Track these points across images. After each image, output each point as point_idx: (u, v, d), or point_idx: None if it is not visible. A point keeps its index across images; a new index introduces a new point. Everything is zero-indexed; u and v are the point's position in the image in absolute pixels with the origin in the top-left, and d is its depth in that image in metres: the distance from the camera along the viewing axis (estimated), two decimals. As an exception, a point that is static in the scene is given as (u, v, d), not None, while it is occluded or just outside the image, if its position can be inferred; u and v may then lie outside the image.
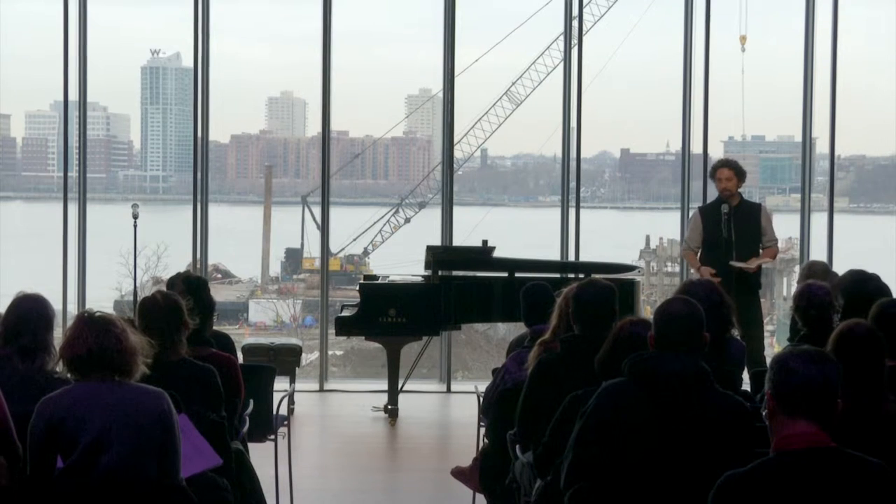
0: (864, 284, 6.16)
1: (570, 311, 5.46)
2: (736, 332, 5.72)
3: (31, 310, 5.03)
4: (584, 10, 14.04)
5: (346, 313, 9.86)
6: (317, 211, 17.88)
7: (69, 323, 4.49)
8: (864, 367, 4.21)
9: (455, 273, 10.08)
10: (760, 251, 9.11)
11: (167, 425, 4.30)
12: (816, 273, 7.22)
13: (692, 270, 10.04)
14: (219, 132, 34.22)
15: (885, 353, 4.26)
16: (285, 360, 10.21)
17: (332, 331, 10.33)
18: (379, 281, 10.10)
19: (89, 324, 4.29)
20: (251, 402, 6.25)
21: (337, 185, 29.14)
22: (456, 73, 11.54)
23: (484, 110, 29.48)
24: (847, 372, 3.50)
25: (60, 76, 11.32)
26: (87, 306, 11.41)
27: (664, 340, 4.28)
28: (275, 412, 6.85)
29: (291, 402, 8.53)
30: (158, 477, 4.29)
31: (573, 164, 11.60)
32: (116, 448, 4.20)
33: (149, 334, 4.98)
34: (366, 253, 30.79)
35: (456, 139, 12.56)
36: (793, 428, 3.27)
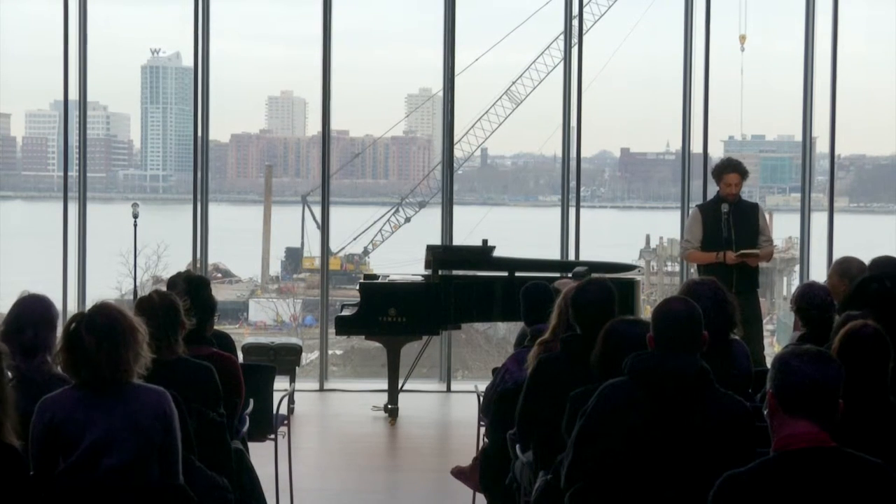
0: (865, 286, 6.14)
1: (569, 312, 5.46)
2: (737, 332, 5.70)
3: (33, 308, 5.03)
4: (585, 10, 14.05)
5: (346, 313, 9.86)
6: (317, 210, 17.89)
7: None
8: (869, 368, 4.20)
9: (455, 272, 10.08)
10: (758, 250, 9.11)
11: (168, 426, 4.28)
12: (851, 269, 7.06)
13: (692, 269, 10.03)
14: (219, 132, 34.30)
15: (890, 355, 4.26)
16: (285, 359, 10.21)
17: (332, 330, 10.33)
18: (379, 280, 10.10)
19: (84, 324, 4.23)
20: (251, 401, 6.25)
21: (337, 185, 29.14)
22: (456, 72, 11.54)
23: (484, 110, 29.52)
24: (852, 372, 3.50)
25: (60, 75, 11.32)
26: (87, 306, 11.43)
27: (663, 340, 4.28)
28: (275, 412, 6.84)
29: (291, 401, 8.53)
30: (160, 477, 4.27)
31: (573, 163, 11.60)
32: (119, 449, 4.18)
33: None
34: (366, 252, 30.82)
35: (456, 139, 12.57)
36: (793, 428, 3.27)
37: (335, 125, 12.13)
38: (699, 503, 3.48)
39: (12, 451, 3.81)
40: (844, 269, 6.99)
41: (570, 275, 8.41)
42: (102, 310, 4.28)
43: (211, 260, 12.27)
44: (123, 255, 24.14)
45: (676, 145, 13.46)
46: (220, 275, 28.93)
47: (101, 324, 4.21)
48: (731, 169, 9.17)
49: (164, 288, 6.12)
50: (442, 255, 9.90)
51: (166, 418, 4.27)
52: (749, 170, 9.31)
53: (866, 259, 6.94)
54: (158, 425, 4.25)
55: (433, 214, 16.85)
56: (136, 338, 4.25)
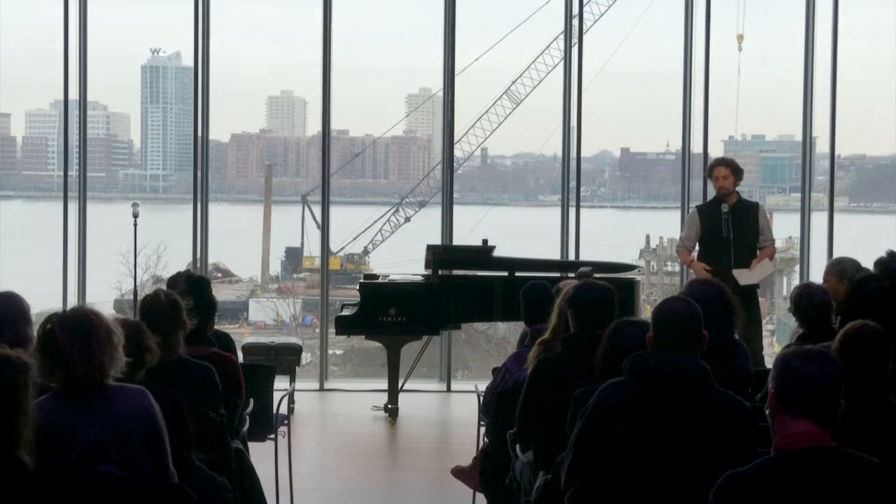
0: (864, 285, 6.16)
1: (568, 312, 5.46)
2: (737, 333, 5.70)
3: (6, 305, 5.00)
4: (584, 9, 14.04)
5: (346, 312, 9.86)
6: (317, 210, 17.90)
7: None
8: (869, 368, 4.21)
9: (455, 272, 10.09)
10: (758, 251, 9.12)
11: (152, 423, 4.22)
12: (848, 270, 7.07)
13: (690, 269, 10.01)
14: (219, 131, 34.29)
15: (890, 355, 4.27)
16: (285, 359, 10.20)
17: (332, 330, 10.33)
18: (379, 280, 10.10)
19: (58, 323, 4.19)
20: (251, 401, 6.25)
21: (337, 185, 29.15)
22: (456, 72, 11.54)
23: (484, 109, 29.52)
24: (852, 372, 3.50)
25: (60, 75, 11.32)
26: (87, 305, 11.42)
27: (663, 340, 4.28)
28: (275, 411, 6.84)
29: (291, 401, 8.53)
30: (153, 475, 4.24)
31: (573, 163, 11.60)
32: (108, 453, 4.11)
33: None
34: (366, 252, 30.82)
35: (456, 138, 12.56)
36: (794, 427, 3.27)
37: (335, 125, 12.15)
38: (699, 503, 3.49)
39: (21, 466, 3.76)
40: (840, 269, 7.01)
41: (572, 275, 8.42)
42: (77, 310, 4.23)
43: (211, 259, 12.27)
44: (123, 254, 24.14)
45: (676, 145, 13.47)
46: (220, 274, 28.94)
47: (74, 323, 4.15)
48: (718, 162, 9.24)
49: (164, 287, 6.12)
50: (442, 255, 9.90)
51: (149, 415, 4.22)
52: (749, 170, 9.33)
53: (865, 259, 6.94)
54: (142, 424, 4.19)
55: (433, 214, 16.85)
56: (111, 339, 4.18)
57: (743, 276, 8.81)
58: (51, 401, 4.12)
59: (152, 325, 5.18)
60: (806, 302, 5.95)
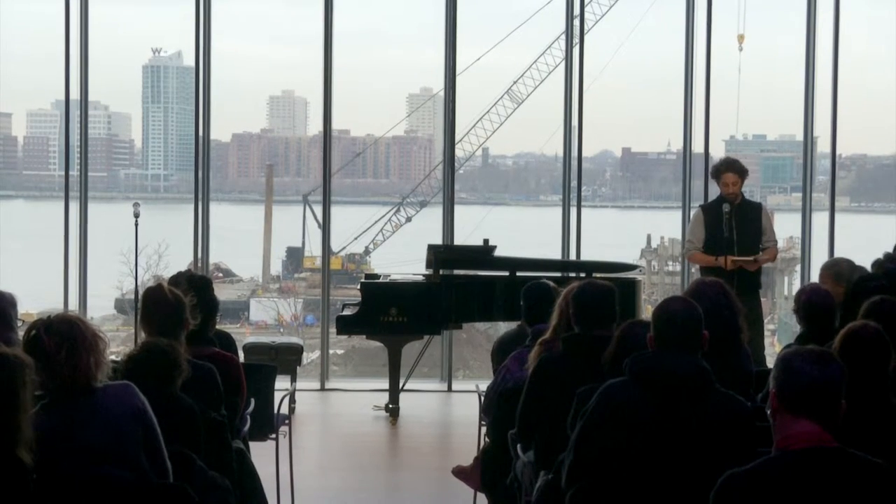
0: (863, 285, 6.16)
1: (570, 312, 5.46)
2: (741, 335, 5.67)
3: None
4: (586, 9, 14.06)
5: (347, 312, 9.86)
6: (318, 210, 17.89)
7: None
8: (870, 368, 4.21)
9: (456, 272, 10.08)
10: (760, 251, 9.11)
11: (146, 419, 4.21)
12: (844, 272, 7.07)
13: (693, 270, 10.01)
14: (220, 131, 34.37)
15: (891, 355, 4.27)
16: (286, 359, 10.21)
17: (333, 330, 10.33)
18: (380, 280, 10.10)
19: (43, 328, 4.14)
20: (252, 401, 6.25)
21: (338, 184, 29.13)
22: (457, 71, 11.54)
23: (485, 109, 29.51)
24: (853, 372, 3.50)
25: (62, 75, 11.33)
26: (89, 305, 11.44)
27: (663, 340, 4.28)
28: (276, 411, 6.85)
29: (292, 401, 8.54)
30: (150, 473, 4.21)
31: (574, 162, 11.60)
32: (108, 456, 4.11)
33: (147, 327, 4.96)
34: (367, 252, 30.82)
35: (457, 138, 12.57)
36: (796, 427, 3.27)
37: (336, 124, 12.13)
38: (700, 503, 3.49)
39: (21, 465, 3.75)
40: (837, 272, 7.01)
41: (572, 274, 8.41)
42: (62, 316, 4.21)
43: (212, 259, 12.26)
44: (124, 254, 24.07)
45: (678, 145, 13.47)
46: (221, 274, 28.92)
47: (60, 328, 4.12)
48: (726, 168, 9.19)
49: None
50: (443, 255, 9.90)
51: (141, 412, 4.20)
52: (750, 169, 9.30)
53: (867, 260, 6.95)
54: (137, 422, 4.17)
55: (434, 214, 16.86)
56: (97, 344, 4.15)
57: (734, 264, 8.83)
58: (42, 414, 4.02)
59: (152, 320, 5.17)
60: (808, 304, 5.94)
